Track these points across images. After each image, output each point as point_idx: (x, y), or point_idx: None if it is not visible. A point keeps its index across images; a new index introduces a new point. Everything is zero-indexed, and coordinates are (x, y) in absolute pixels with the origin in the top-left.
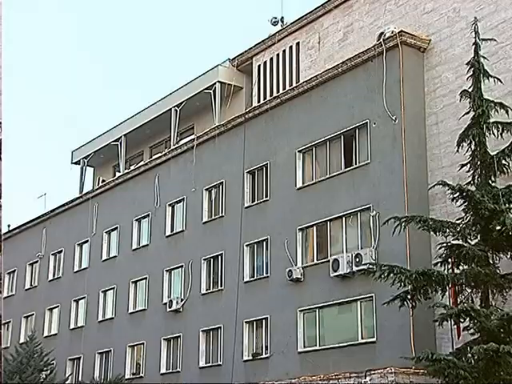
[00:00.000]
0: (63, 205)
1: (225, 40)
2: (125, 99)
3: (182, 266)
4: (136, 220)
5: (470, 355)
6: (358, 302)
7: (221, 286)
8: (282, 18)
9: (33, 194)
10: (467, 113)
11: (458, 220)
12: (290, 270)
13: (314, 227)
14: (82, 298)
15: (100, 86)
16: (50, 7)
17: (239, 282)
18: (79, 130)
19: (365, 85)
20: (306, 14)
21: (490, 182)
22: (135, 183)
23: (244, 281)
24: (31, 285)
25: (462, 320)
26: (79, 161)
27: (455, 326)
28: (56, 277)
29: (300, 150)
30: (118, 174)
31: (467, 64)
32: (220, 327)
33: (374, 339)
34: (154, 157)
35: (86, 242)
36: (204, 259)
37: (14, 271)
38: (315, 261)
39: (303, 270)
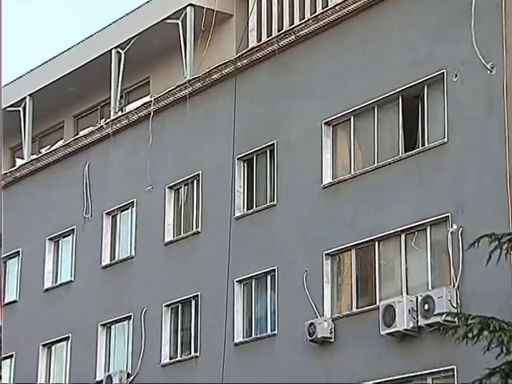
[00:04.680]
0: None
1: None
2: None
3: (129, 318)
4: (51, 240)
5: None
6: (429, 379)
7: (195, 350)
8: None
9: None
10: None
11: None
12: (311, 324)
13: (353, 251)
14: None
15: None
16: None
17: (226, 345)
18: None
19: (439, 10)
20: None
21: None
22: (50, 177)
23: (234, 342)
24: None
25: None
26: None
27: None
28: None
29: (328, 120)
30: (19, 162)
31: None
32: None
33: None
34: (81, 133)
35: None
36: (167, 305)
37: None
38: (354, 308)
39: (334, 324)
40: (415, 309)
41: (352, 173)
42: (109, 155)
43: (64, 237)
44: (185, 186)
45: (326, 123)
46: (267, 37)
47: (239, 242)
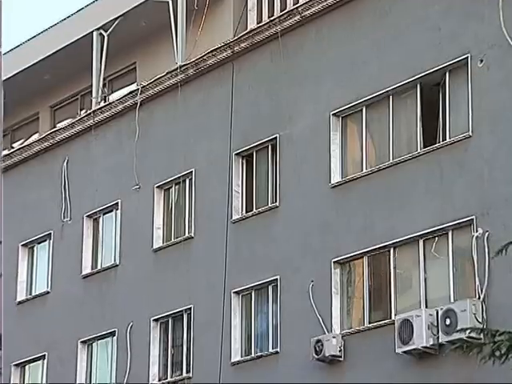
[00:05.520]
0: None
1: None
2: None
3: (113, 334)
4: (25, 246)
5: None
6: None
7: (187, 371)
8: None
9: None
10: None
11: None
12: (318, 341)
13: (364, 259)
14: None
15: None
16: None
17: (222, 364)
18: None
19: None
20: None
21: None
22: (23, 175)
23: (231, 361)
24: None
25: None
26: None
27: None
28: None
29: (337, 112)
30: None
31: None
32: None
33: None
34: (58, 125)
35: None
36: (156, 320)
37: None
38: (366, 323)
39: (344, 341)
40: (435, 324)
41: (364, 170)
42: (90, 151)
43: (39, 243)
44: (176, 185)
45: (334, 115)
46: (268, 17)
47: (237, 249)
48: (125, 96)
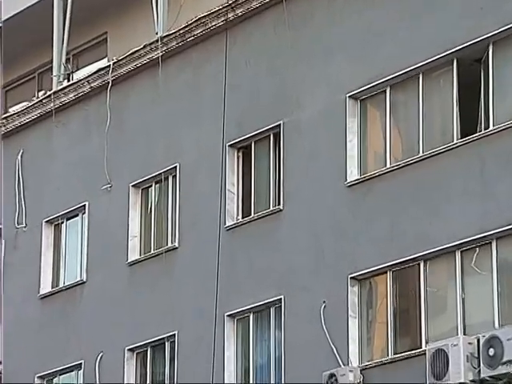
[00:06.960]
0: None
1: None
2: None
3: (78, 367)
4: None
5: None
6: None
7: None
8: None
9: None
10: None
11: None
12: (331, 376)
13: (388, 274)
14: None
15: None
16: None
17: None
18: None
19: None
20: None
21: None
22: None
23: None
24: None
25: None
26: None
27: None
28: None
29: (354, 93)
30: None
31: None
32: None
33: None
34: (11, 110)
35: None
36: (130, 350)
37: None
38: (390, 353)
39: (362, 376)
40: (476, 355)
41: (388, 166)
42: (50, 141)
43: None
44: (156, 184)
45: (351, 97)
46: None
47: (232, 262)
48: (93, 74)
